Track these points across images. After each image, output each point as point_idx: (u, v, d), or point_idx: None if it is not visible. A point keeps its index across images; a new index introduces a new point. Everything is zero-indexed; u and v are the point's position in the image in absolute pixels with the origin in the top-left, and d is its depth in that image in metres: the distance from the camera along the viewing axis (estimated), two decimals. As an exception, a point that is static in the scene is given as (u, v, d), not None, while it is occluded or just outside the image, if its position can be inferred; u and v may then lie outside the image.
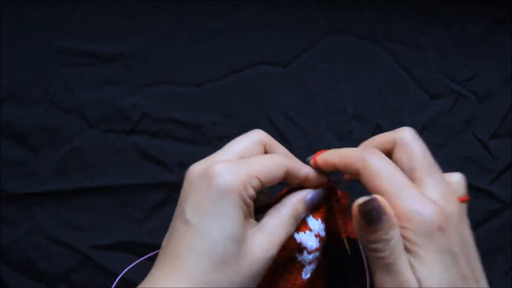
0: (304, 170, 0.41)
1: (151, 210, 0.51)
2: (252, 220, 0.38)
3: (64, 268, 0.50)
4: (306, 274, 0.41)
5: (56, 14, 0.52)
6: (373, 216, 0.34)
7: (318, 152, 0.42)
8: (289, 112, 0.52)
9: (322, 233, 0.42)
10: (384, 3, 0.53)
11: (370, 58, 0.53)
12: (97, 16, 0.52)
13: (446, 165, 0.51)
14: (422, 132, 0.52)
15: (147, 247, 0.51)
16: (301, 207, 0.40)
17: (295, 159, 0.43)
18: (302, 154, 0.51)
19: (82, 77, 0.52)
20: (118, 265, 0.50)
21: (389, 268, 0.34)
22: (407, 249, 0.34)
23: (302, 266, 0.41)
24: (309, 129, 0.52)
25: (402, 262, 0.33)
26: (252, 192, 0.37)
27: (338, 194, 0.42)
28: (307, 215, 0.41)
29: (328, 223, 0.43)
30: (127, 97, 0.52)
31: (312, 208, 0.41)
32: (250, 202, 0.37)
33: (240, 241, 0.35)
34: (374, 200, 0.34)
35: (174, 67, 0.52)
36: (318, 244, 0.41)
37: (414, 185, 0.36)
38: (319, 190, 0.42)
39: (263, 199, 0.42)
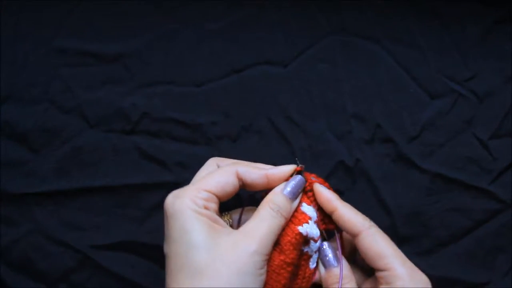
0: (259, 170, 0.42)
1: (151, 210, 0.51)
2: (225, 229, 0.39)
3: (64, 268, 0.51)
4: (313, 263, 0.42)
5: (56, 14, 0.52)
6: (325, 263, 0.42)
7: (313, 176, 0.44)
8: (289, 112, 0.52)
9: (317, 218, 0.42)
10: (384, 3, 0.53)
11: (370, 58, 0.53)
12: (97, 16, 0.52)
13: (446, 165, 0.52)
14: (422, 132, 0.52)
15: (147, 247, 0.51)
16: (278, 199, 0.40)
17: (254, 165, 0.44)
18: (302, 154, 0.52)
19: (82, 77, 0.52)
20: (118, 265, 0.50)
21: None
22: None
23: (309, 257, 0.41)
24: (309, 129, 0.52)
25: None
26: (202, 203, 0.39)
27: (309, 179, 0.43)
28: (301, 205, 0.41)
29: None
30: (127, 97, 0.52)
31: (298, 196, 0.42)
32: (208, 212, 0.39)
33: (209, 247, 0.37)
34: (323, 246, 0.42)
35: (174, 67, 0.52)
36: (318, 230, 0.42)
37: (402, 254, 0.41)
38: (297, 177, 0.42)
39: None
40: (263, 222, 0.39)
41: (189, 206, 0.38)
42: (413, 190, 0.51)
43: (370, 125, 0.52)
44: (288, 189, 0.41)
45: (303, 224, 0.40)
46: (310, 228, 0.40)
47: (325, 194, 0.42)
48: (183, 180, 0.50)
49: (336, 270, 0.41)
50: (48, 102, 0.52)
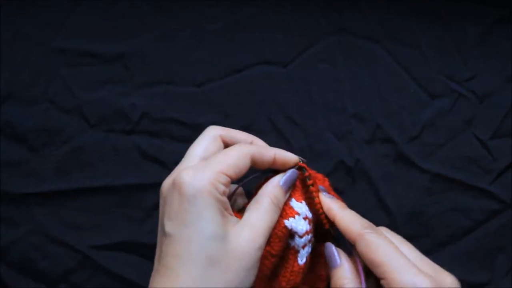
0: (270, 152, 0.42)
1: (151, 210, 0.51)
2: (233, 217, 0.39)
3: (64, 268, 0.51)
4: (302, 259, 0.42)
5: (56, 14, 0.52)
6: (330, 262, 0.41)
7: (318, 176, 0.44)
8: (289, 112, 0.52)
9: (310, 215, 0.42)
10: (384, 3, 0.53)
11: (370, 58, 0.53)
12: (97, 16, 0.52)
13: (446, 165, 0.52)
14: (422, 132, 0.52)
15: (147, 247, 0.51)
16: (278, 192, 0.41)
17: (258, 142, 0.44)
18: (302, 154, 0.51)
19: (82, 77, 0.52)
20: (118, 265, 0.50)
21: None
22: None
23: (296, 251, 0.42)
24: (309, 129, 0.52)
25: None
26: (222, 188, 0.38)
27: (309, 173, 0.43)
28: (290, 200, 0.42)
29: (310, 204, 0.43)
30: (127, 97, 0.52)
31: (291, 190, 0.42)
32: (224, 199, 0.38)
33: (222, 238, 0.36)
34: (328, 246, 0.42)
35: (174, 67, 0.52)
36: (308, 226, 0.42)
37: (409, 260, 0.38)
38: (292, 171, 0.42)
39: (242, 202, 0.45)
40: (266, 215, 0.39)
41: (210, 191, 0.37)
42: (413, 190, 0.51)
43: (370, 125, 0.52)
44: (285, 181, 0.41)
45: (289, 218, 0.41)
46: (296, 223, 0.41)
47: (325, 204, 0.43)
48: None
49: (339, 270, 0.41)
50: (48, 102, 0.52)
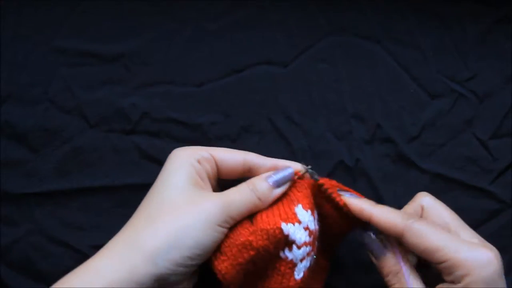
0: (267, 160, 0.44)
1: (151, 210, 0.51)
2: (202, 187, 0.42)
3: (64, 268, 0.50)
4: (299, 274, 0.40)
5: (56, 14, 0.52)
6: (375, 254, 0.41)
7: (335, 184, 0.43)
8: (289, 112, 0.52)
9: (312, 227, 0.40)
10: (384, 3, 0.53)
11: (370, 58, 0.53)
12: (97, 16, 0.52)
13: (446, 165, 0.52)
14: (422, 132, 0.52)
15: (147, 247, 0.51)
16: (258, 183, 0.41)
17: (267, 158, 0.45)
18: (302, 154, 0.51)
19: (82, 77, 0.52)
20: (118, 265, 0.50)
21: None
22: None
23: (294, 265, 0.40)
24: (309, 129, 0.52)
25: None
26: (197, 157, 0.42)
27: (324, 185, 0.42)
28: (296, 205, 0.40)
29: (324, 210, 0.42)
30: (127, 97, 0.52)
31: (281, 186, 0.41)
32: (198, 166, 0.42)
33: (179, 188, 0.40)
34: (367, 236, 0.42)
35: (174, 67, 0.52)
36: (308, 238, 0.40)
37: (459, 237, 0.39)
38: (287, 169, 0.42)
39: None
40: (236, 192, 0.41)
41: (186, 156, 0.42)
42: (413, 190, 0.51)
43: (370, 125, 0.52)
44: (273, 176, 0.42)
45: (288, 223, 0.39)
46: (295, 231, 0.39)
47: (355, 205, 0.41)
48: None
49: (388, 258, 0.41)
50: (48, 102, 0.52)
